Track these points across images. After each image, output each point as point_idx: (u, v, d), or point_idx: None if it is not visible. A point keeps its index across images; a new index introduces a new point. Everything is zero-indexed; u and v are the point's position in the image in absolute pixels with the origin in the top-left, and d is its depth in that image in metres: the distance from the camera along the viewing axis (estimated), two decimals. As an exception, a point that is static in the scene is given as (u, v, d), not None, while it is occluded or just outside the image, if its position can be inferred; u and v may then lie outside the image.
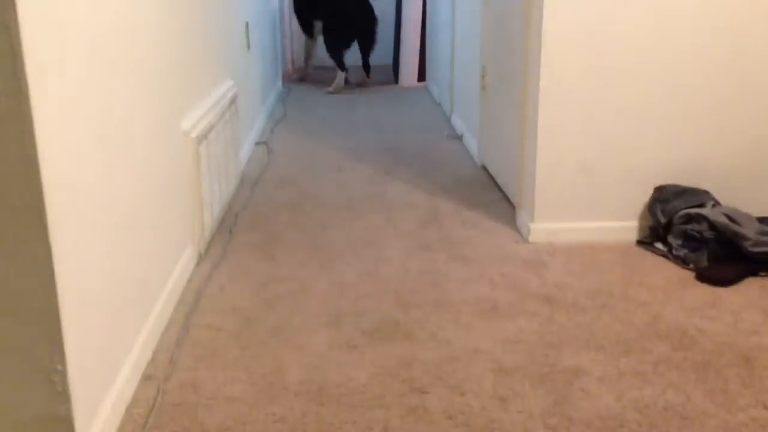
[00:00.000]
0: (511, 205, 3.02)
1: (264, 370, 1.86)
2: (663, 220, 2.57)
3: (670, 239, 2.54)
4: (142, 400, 1.74)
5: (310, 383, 1.80)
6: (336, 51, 5.90)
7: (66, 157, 1.43)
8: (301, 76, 6.43)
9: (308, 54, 6.37)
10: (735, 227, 2.43)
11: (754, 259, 2.41)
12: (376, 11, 6.08)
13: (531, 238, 2.69)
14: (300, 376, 1.83)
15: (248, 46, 4.02)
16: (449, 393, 1.75)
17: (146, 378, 1.83)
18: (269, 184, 3.44)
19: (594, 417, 1.65)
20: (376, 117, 4.93)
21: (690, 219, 2.51)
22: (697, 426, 1.61)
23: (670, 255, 2.53)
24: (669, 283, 2.35)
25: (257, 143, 4.13)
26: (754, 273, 2.39)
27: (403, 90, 6.01)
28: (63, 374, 1.43)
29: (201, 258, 2.53)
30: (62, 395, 1.43)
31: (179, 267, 2.28)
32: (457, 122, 4.45)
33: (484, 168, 3.60)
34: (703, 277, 2.37)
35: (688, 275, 2.41)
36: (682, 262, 2.48)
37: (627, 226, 2.70)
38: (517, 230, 2.81)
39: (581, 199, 2.68)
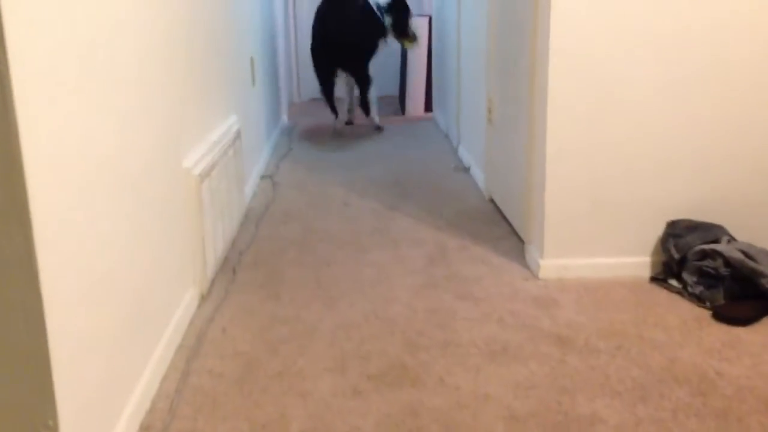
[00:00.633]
0: (520, 240, 2.95)
1: (266, 420, 1.79)
2: (677, 255, 2.50)
3: (685, 276, 2.47)
4: (139, 452, 1.67)
5: (313, 433, 1.73)
6: (320, 83, 5.35)
7: (57, 199, 1.38)
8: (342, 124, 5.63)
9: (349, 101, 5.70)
10: (752, 264, 2.36)
11: (773, 296, 2.33)
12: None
13: (541, 275, 2.62)
14: (303, 425, 1.76)
15: (253, 82, 4.00)
16: (459, 444, 1.67)
17: (144, 429, 1.76)
18: (274, 219, 3.39)
19: (611, 470, 1.57)
20: (383, 149, 4.90)
21: (705, 255, 2.44)
22: (721, 479, 1.53)
23: (685, 292, 2.46)
24: (685, 322, 2.28)
25: (262, 177, 4.10)
26: (772, 309, 2.32)
27: (410, 121, 5.99)
28: (54, 430, 1.37)
29: (203, 299, 2.47)
30: (53, 452, 1.37)
31: (180, 309, 2.23)
32: (465, 154, 4.40)
33: (492, 201, 3.55)
34: (720, 315, 2.30)
35: (705, 314, 2.33)
36: (698, 299, 2.40)
37: (640, 262, 2.63)
38: (527, 266, 2.74)
39: (592, 235, 2.62)
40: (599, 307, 2.38)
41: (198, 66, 2.66)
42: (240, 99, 3.56)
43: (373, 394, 1.89)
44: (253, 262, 2.84)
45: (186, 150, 2.40)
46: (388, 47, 5.51)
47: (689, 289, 2.44)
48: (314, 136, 5.40)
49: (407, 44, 5.63)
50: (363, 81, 5.29)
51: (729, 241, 2.49)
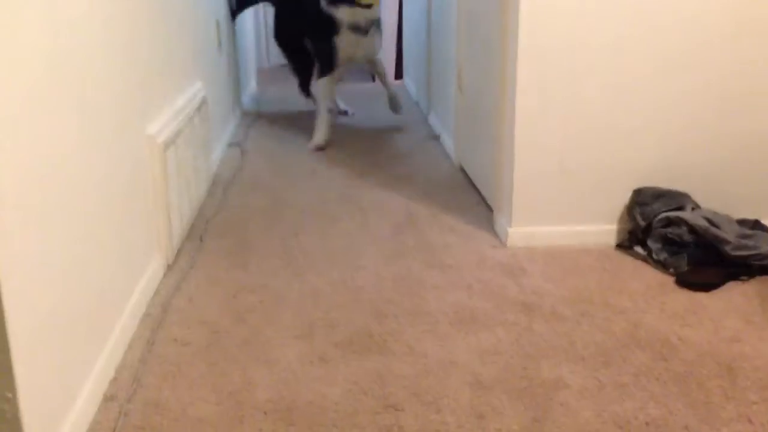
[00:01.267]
0: (489, 209, 2.96)
1: (232, 388, 1.78)
2: (642, 223, 2.53)
3: (650, 243, 2.50)
4: (104, 422, 1.66)
5: (280, 401, 1.72)
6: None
7: (13, 170, 1.34)
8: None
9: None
10: (715, 231, 2.39)
11: (735, 263, 2.37)
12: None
13: (509, 243, 2.64)
14: (270, 393, 1.76)
15: (219, 45, 3.92)
16: (425, 410, 1.68)
17: (108, 399, 1.74)
18: (242, 187, 3.35)
19: (574, 434, 1.59)
20: (353, 117, 4.85)
21: (669, 222, 2.47)
22: (680, 442, 1.56)
23: (650, 259, 2.49)
24: (649, 288, 2.31)
25: (230, 144, 4.04)
26: (735, 277, 2.35)
27: (380, 88, 5.93)
28: (13, 402, 1.35)
29: (169, 268, 2.44)
30: (13, 424, 1.35)
31: (145, 279, 2.20)
32: (435, 122, 4.38)
33: (462, 169, 3.54)
34: (683, 282, 2.33)
35: (668, 280, 2.36)
36: (662, 266, 2.43)
37: (606, 230, 2.65)
38: (495, 234, 2.75)
39: (559, 203, 2.63)
40: (566, 275, 2.40)
41: (161, 30, 2.59)
42: (206, 64, 3.48)
43: (340, 361, 1.89)
44: (221, 231, 2.81)
45: (150, 117, 2.35)
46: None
47: (654, 255, 2.47)
48: (284, 102, 5.33)
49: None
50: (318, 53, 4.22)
51: (693, 209, 2.52)
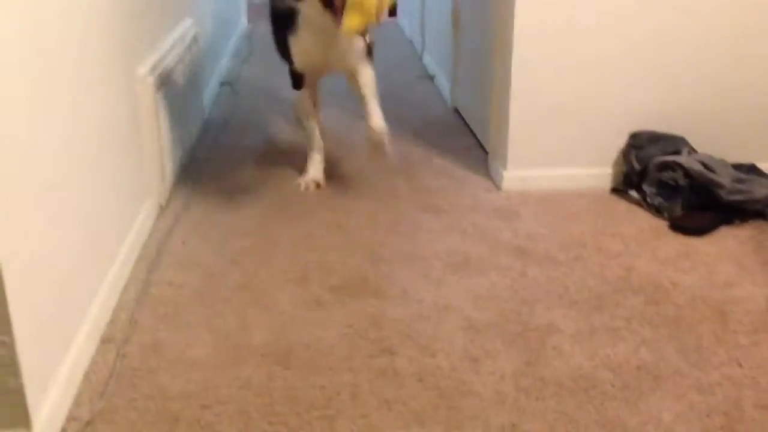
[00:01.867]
0: (484, 152, 2.94)
1: (228, 331, 1.79)
2: (638, 167, 2.52)
3: (645, 187, 2.49)
4: (101, 364, 1.67)
5: (276, 344, 1.74)
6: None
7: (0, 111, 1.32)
8: None
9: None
10: (710, 175, 2.39)
11: (730, 207, 2.37)
12: None
13: (504, 186, 2.63)
14: (266, 336, 1.77)
15: (210, -18, 3.81)
16: (419, 354, 1.70)
17: (105, 341, 1.75)
18: (234, 128, 3.31)
19: (566, 377, 1.62)
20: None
21: (665, 166, 2.46)
22: (671, 385, 1.59)
23: (644, 203, 2.49)
24: (643, 232, 2.32)
25: (222, 84, 3.97)
26: (729, 221, 2.36)
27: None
28: (10, 346, 1.35)
29: (162, 210, 2.43)
30: (11, 367, 1.36)
31: (139, 221, 2.19)
32: (429, 62, 4.32)
33: (457, 111, 3.50)
34: (677, 226, 2.34)
35: (662, 224, 2.37)
36: (657, 210, 2.44)
37: (601, 173, 2.64)
38: (490, 178, 2.74)
39: (555, 146, 2.61)
40: (560, 219, 2.40)
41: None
42: (196, 1, 3.39)
43: (335, 305, 1.91)
44: (214, 173, 2.79)
45: (140, 57, 2.30)
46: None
47: (648, 200, 2.47)
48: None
49: None
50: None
51: (689, 153, 2.51)
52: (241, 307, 1.89)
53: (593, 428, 1.47)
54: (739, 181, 2.43)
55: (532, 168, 2.62)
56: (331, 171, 2.80)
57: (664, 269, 2.09)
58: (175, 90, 2.62)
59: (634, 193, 2.54)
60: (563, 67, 2.51)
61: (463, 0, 3.30)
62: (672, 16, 2.48)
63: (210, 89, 3.63)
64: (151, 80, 2.29)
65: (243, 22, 5.55)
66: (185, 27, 3.01)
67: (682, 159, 2.45)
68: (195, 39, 3.07)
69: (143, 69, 2.29)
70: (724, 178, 2.41)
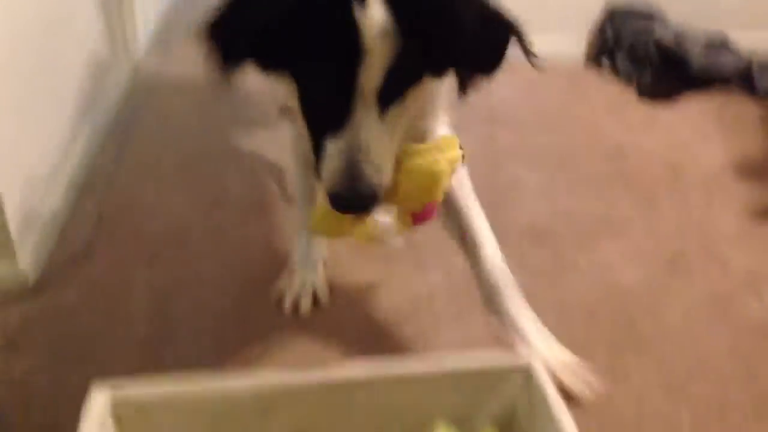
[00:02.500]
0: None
1: (207, 190, 1.87)
2: (611, 36, 2.55)
3: (617, 57, 2.53)
4: (81, 216, 1.74)
5: (251, 196, 1.82)
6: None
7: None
8: None
9: None
10: (681, 47, 2.42)
11: (699, 78, 2.42)
12: None
13: (479, 56, 2.64)
14: (242, 190, 1.85)
15: None
16: (387, 204, 1.78)
17: (84, 192, 1.82)
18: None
19: (526, 226, 1.71)
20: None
21: (638, 37, 2.49)
22: (621, 232, 1.69)
23: (615, 73, 2.53)
24: (611, 101, 2.38)
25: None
26: (695, 88, 2.40)
27: None
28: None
29: (136, 70, 2.44)
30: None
31: (113, 76, 2.21)
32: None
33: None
34: (643, 92, 2.39)
35: (632, 95, 2.42)
36: (627, 80, 2.48)
37: (576, 42, 2.66)
38: (466, 48, 2.75)
39: (530, 13, 2.61)
40: (531, 86, 2.44)
41: None
42: None
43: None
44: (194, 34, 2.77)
45: None
46: None
47: (620, 69, 2.51)
48: None
49: None
50: None
51: (663, 25, 2.53)
52: (218, 166, 1.96)
53: (549, 268, 1.58)
54: (710, 53, 2.47)
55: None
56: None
57: (627, 134, 2.16)
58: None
59: (606, 63, 2.58)
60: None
61: None
62: None
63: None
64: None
65: None
66: None
67: (655, 30, 2.48)
68: None
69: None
70: (695, 49, 2.44)
